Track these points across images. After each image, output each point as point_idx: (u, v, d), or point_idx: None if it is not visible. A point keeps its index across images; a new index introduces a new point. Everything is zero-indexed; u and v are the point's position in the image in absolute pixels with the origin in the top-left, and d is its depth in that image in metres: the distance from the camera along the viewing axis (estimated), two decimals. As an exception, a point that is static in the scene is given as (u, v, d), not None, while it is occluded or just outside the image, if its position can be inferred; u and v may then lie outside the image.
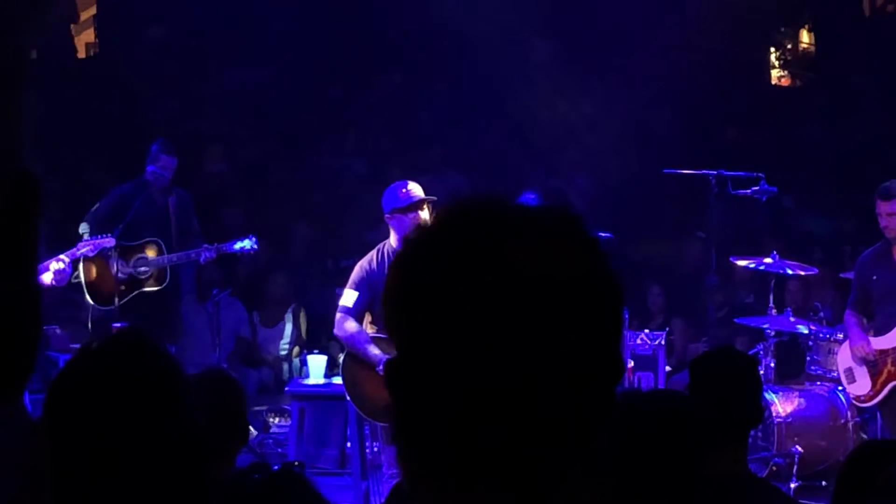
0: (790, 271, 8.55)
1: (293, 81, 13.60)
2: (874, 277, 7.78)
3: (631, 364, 8.58)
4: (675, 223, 12.14)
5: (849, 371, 7.97)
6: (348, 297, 7.01)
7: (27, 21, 1.06)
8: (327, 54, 13.89)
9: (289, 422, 8.55)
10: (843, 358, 8.04)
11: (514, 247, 1.24)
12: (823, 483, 7.96)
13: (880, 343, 7.78)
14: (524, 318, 1.22)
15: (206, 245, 9.02)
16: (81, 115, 13.09)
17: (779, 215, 12.03)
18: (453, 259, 1.24)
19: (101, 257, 8.85)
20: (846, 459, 3.27)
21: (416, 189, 7.03)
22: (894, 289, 7.75)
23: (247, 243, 9.00)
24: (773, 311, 8.40)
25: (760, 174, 8.68)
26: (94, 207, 9.24)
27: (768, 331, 8.31)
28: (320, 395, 7.82)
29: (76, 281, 8.97)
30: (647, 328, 9.26)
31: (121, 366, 2.05)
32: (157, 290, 9.09)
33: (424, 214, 6.97)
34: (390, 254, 7.03)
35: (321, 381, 7.87)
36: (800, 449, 8.06)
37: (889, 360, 7.73)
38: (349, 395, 7.07)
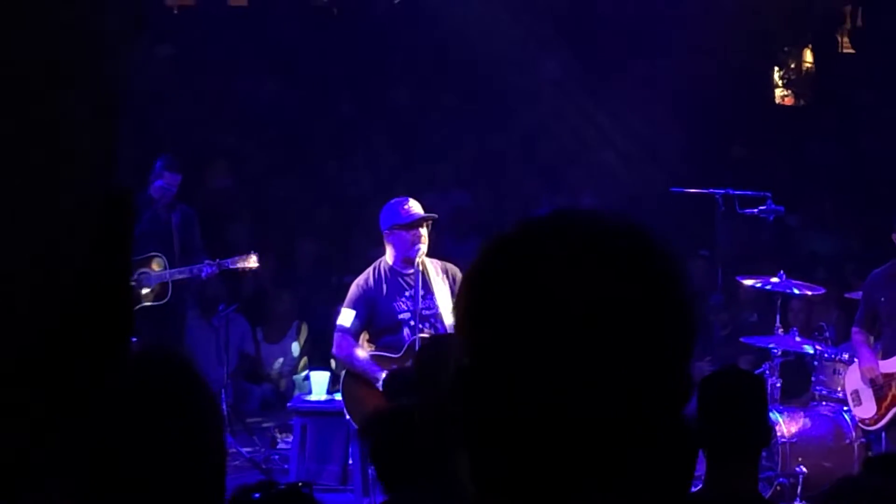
0: (797, 291, 8.46)
1: (300, 97, 13.54)
2: (882, 298, 7.68)
3: None
4: (679, 241, 12.05)
5: (855, 393, 7.86)
6: (346, 316, 6.92)
7: (124, 45, 1.02)
8: (335, 70, 13.84)
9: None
10: (851, 380, 7.93)
11: (586, 265, 1.23)
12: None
13: (887, 367, 7.68)
14: (591, 340, 1.21)
15: (207, 261, 8.97)
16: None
17: (783, 234, 11.96)
18: (525, 276, 1.24)
19: None
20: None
21: (416, 206, 6.95)
22: None
23: (250, 260, 8.96)
24: (780, 331, 8.32)
25: (767, 193, 8.60)
26: None
27: (774, 350, 8.23)
28: (322, 411, 7.75)
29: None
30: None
31: (153, 383, 1.94)
32: (159, 305, 9.03)
33: (424, 232, 6.90)
34: (387, 271, 6.96)
35: (323, 397, 7.80)
36: (804, 469, 7.94)
37: (894, 384, 7.63)
38: (349, 414, 6.98)
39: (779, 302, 8.39)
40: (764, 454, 8.09)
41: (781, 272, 8.41)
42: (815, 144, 13.75)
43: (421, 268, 6.80)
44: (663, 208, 12.50)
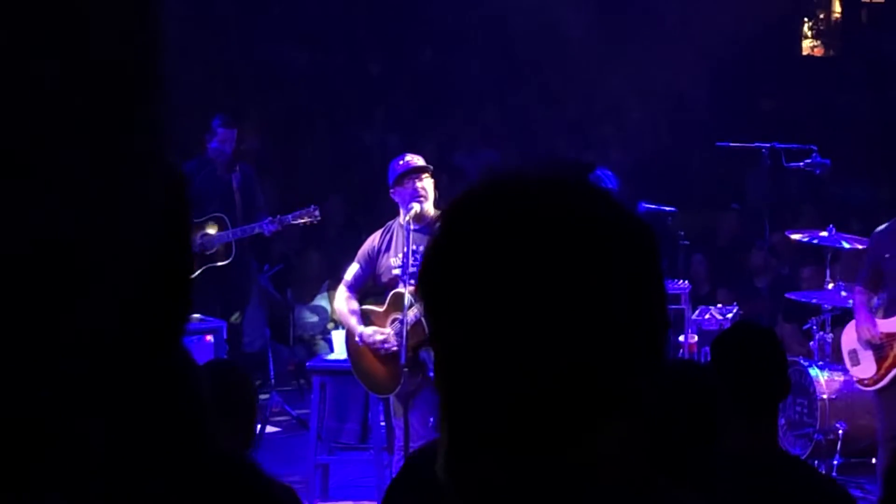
0: (846, 245, 7.90)
1: (328, 57, 13.09)
2: (887, 255, 7.09)
3: (695, 339, 7.97)
4: (711, 194, 11.59)
5: (853, 353, 7.27)
6: (350, 270, 6.72)
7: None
8: (362, 30, 13.36)
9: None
10: (848, 339, 7.31)
11: (546, 206, 1.20)
12: (873, 460, 7.31)
13: (887, 326, 7.08)
14: (566, 273, 1.17)
15: (268, 218, 8.53)
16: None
17: (814, 186, 11.41)
18: (485, 228, 1.21)
19: None
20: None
21: (413, 159, 6.53)
22: None
23: (311, 214, 8.50)
24: (830, 286, 7.81)
25: (813, 146, 8.06)
26: None
27: (825, 305, 7.68)
28: (341, 370, 7.27)
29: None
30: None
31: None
32: (224, 266, 8.65)
33: (421, 185, 6.42)
34: (397, 228, 6.59)
35: (343, 356, 7.30)
36: (844, 426, 7.49)
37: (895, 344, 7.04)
38: (354, 371, 6.73)
39: (829, 256, 7.84)
40: (805, 411, 7.63)
41: (831, 226, 7.87)
42: (843, 95, 13.15)
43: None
44: (690, 162, 11.99)
